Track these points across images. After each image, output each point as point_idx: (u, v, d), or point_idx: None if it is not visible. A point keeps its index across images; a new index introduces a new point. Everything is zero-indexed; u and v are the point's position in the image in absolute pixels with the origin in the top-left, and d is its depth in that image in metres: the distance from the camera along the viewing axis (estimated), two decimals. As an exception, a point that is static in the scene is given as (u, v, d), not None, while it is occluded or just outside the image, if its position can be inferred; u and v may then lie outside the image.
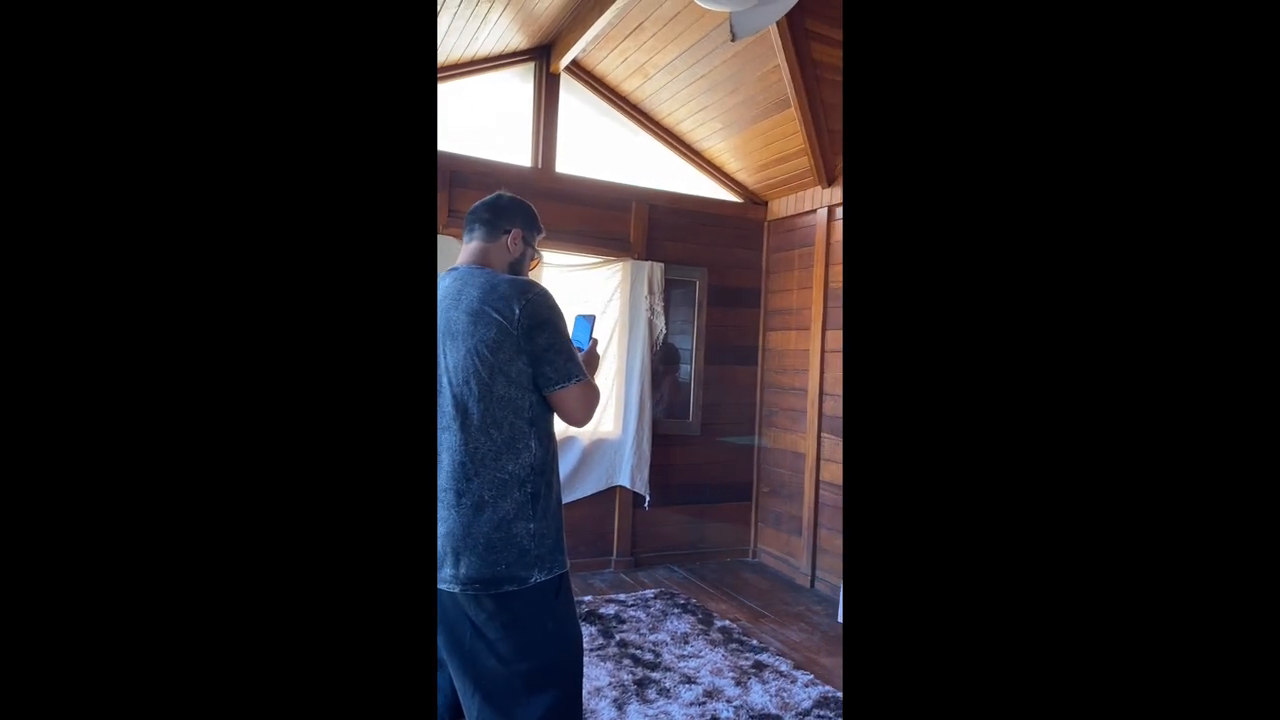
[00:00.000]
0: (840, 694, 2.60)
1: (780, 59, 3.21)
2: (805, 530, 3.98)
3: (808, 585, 3.92)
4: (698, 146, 4.22)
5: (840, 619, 3.20)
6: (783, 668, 2.82)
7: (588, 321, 1.68)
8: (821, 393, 3.92)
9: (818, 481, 3.93)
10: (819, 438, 3.92)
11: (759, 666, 2.83)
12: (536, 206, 1.66)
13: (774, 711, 2.47)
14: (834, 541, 3.79)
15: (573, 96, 3.99)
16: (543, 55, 3.85)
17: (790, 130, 3.64)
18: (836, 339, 3.83)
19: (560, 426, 1.60)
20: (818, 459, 3.93)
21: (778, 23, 2.99)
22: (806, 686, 2.67)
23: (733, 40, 2.41)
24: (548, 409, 1.45)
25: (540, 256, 1.62)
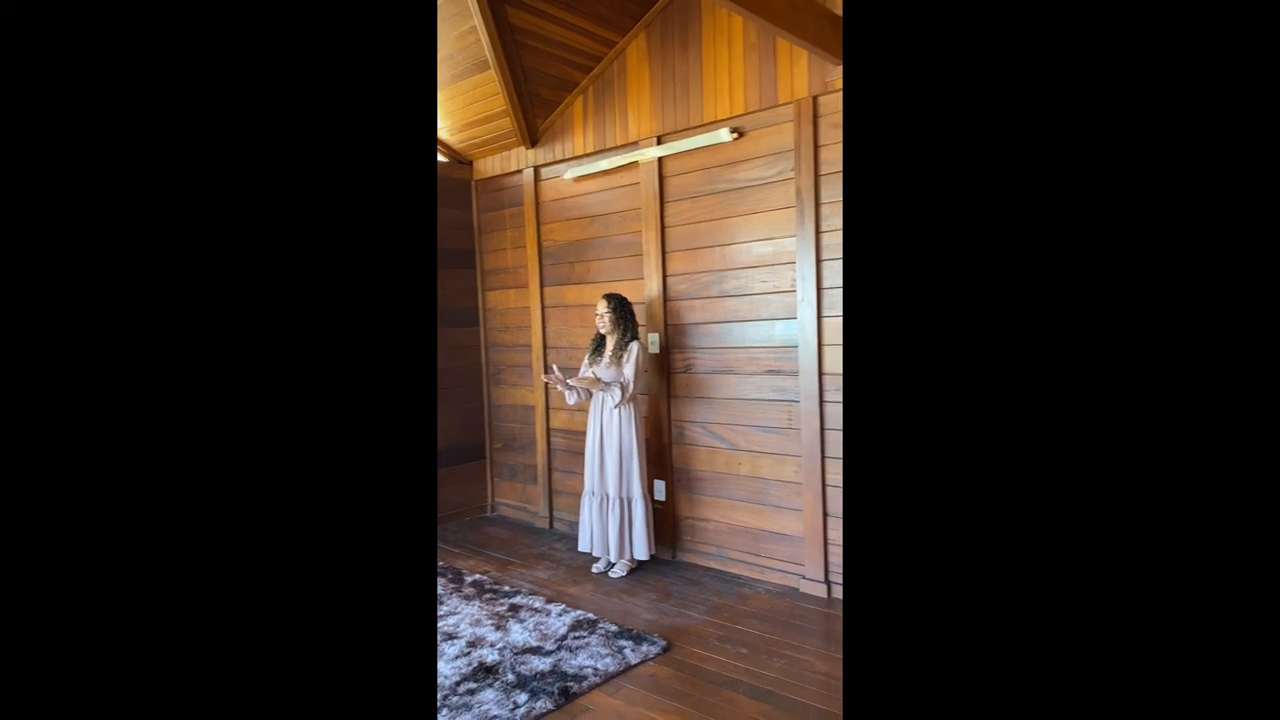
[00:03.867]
0: (591, 615, 2.88)
1: (477, 20, 3.23)
2: (540, 477, 4.19)
3: (547, 527, 4.16)
4: (395, 104, 4.04)
5: (581, 547, 3.47)
6: (536, 604, 3.01)
7: None
8: (545, 346, 4.10)
9: (548, 430, 4.14)
10: (546, 390, 4.11)
11: (514, 608, 2.99)
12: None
13: (535, 643, 2.66)
14: (567, 482, 4.06)
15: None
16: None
17: (491, 91, 3.69)
18: (554, 295, 4.02)
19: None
20: (546, 409, 4.14)
21: (473, -17, 2.99)
22: (561, 615, 2.89)
23: None
24: None
25: None
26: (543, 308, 4.09)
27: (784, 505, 3.16)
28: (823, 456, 2.99)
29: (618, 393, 3.26)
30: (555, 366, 3.42)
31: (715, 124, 3.25)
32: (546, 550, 3.81)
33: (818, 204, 2.94)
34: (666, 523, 3.55)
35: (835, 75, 2.86)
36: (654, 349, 3.53)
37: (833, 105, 2.90)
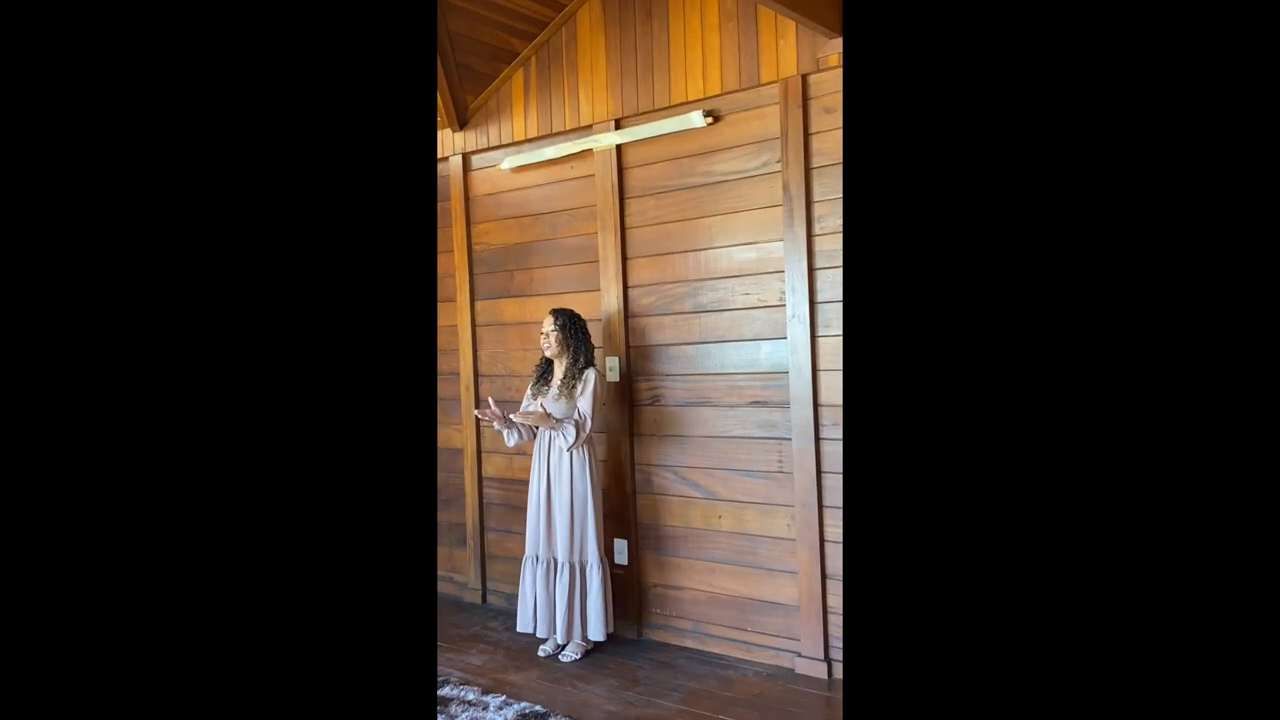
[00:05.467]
0: (539, 708, 2.55)
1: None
2: (470, 539, 3.69)
3: (479, 601, 3.67)
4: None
5: (520, 628, 3.02)
6: (470, 696, 2.64)
7: None
8: (476, 375, 3.65)
9: (480, 479, 3.67)
10: (478, 428, 3.63)
11: (443, 702, 2.59)
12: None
13: (470, 754, 2.26)
14: (504, 545, 3.56)
15: None
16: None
17: (412, 65, 3.16)
18: (488, 310, 3.61)
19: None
20: (478, 453, 3.65)
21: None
22: (500, 709, 2.53)
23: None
24: None
25: None
26: (473, 326, 3.65)
27: (775, 567, 2.84)
28: (820, 505, 2.71)
29: (571, 432, 2.84)
30: (491, 400, 3.00)
31: (686, 106, 2.98)
32: (480, 630, 3.32)
33: (809, 202, 2.71)
34: (630, 592, 3.16)
35: (829, 50, 2.64)
36: (613, 376, 3.18)
37: (826, 85, 2.67)
